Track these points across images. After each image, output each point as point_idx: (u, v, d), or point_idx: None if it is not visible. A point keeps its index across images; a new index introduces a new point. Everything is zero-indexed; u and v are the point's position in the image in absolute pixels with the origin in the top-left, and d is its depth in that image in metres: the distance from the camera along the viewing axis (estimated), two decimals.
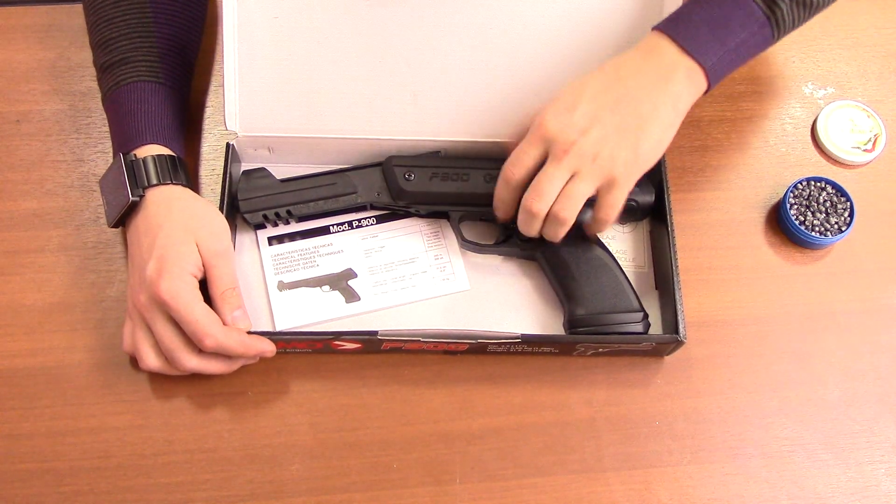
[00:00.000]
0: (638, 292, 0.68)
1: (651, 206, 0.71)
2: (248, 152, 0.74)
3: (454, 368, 0.69)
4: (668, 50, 0.65)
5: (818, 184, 0.76)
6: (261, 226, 0.72)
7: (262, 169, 0.71)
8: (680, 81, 0.65)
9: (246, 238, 0.73)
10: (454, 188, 0.70)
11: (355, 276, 0.71)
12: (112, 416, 0.66)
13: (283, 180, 0.71)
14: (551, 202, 0.63)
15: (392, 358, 0.69)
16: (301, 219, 0.71)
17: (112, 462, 0.65)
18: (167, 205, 0.65)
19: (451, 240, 0.73)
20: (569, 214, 0.63)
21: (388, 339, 0.65)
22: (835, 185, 0.76)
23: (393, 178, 0.70)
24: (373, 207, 0.72)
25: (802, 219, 0.74)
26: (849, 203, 0.75)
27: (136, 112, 0.68)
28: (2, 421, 0.66)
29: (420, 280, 0.71)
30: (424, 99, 0.72)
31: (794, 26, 0.68)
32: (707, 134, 0.80)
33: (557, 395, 0.69)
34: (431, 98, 0.72)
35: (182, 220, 0.65)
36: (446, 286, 0.71)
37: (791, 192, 0.75)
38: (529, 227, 0.66)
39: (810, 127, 0.81)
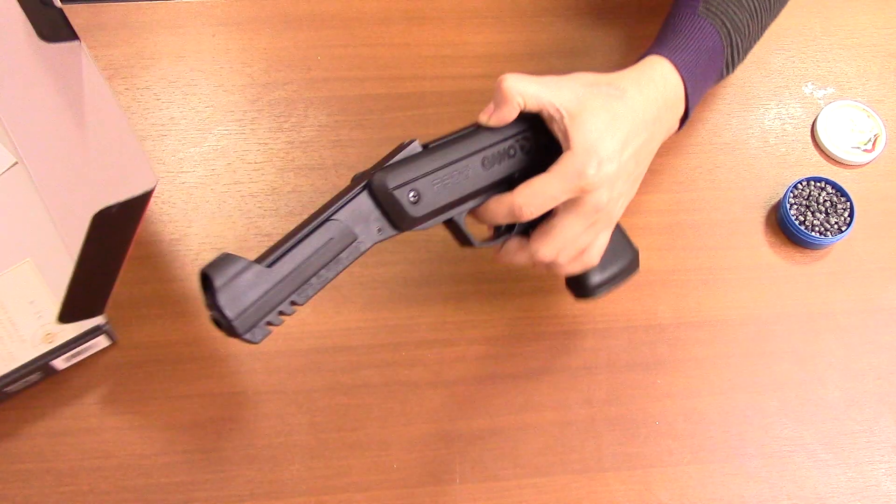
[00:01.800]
0: None
1: None
2: None
3: (454, 368, 0.69)
4: (679, 96, 0.64)
5: (818, 184, 0.76)
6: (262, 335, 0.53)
7: (227, 256, 0.51)
8: (673, 130, 0.65)
9: None
10: (459, 190, 0.59)
11: None
12: (112, 416, 0.66)
13: (267, 263, 0.52)
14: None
15: (392, 357, 0.69)
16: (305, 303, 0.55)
17: (112, 462, 0.65)
18: None
19: None
20: (566, 261, 0.61)
21: None
22: (835, 185, 0.76)
23: (395, 206, 0.56)
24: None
25: (802, 219, 0.74)
26: (849, 203, 0.75)
27: None
28: (2, 421, 0.66)
29: None
30: None
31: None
32: (706, 133, 0.80)
33: (557, 395, 0.69)
34: None
35: None
36: None
37: (791, 192, 0.75)
38: (518, 263, 0.62)
39: (810, 127, 0.81)
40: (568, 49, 0.83)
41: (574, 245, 0.60)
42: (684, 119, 0.66)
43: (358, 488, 0.65)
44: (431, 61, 0.82)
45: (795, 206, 0.75)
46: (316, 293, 0.55)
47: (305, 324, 0.70)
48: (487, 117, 0.60)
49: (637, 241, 0.74)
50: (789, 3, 0.88)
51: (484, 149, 0.59)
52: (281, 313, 0.53)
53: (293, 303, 0.54)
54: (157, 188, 0.73)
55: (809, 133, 0.81)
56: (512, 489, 0.65)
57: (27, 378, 0.65)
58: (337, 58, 0.82)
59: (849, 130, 0.81)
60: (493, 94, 0.60)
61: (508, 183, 0.60)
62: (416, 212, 0.57)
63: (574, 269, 0.63)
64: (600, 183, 0.57)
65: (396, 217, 0.57)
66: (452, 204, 0.59)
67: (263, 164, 0.77)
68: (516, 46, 0.83)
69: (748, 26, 0.68)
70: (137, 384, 0.68)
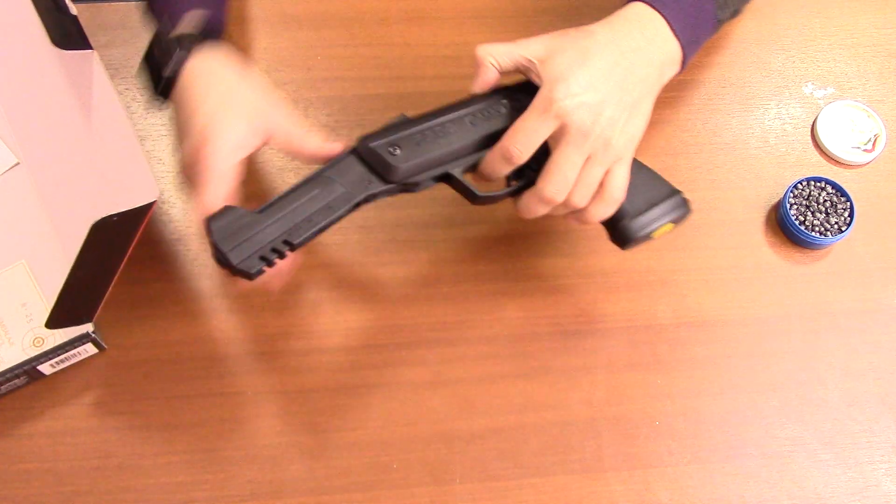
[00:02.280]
0: None
1: None
2: None
3: (454, 368, 0.69)
4: (662, 30, 0.64)
5: (818, 184, 0.76)
6: (259, 272, 0.59)
7: (228, 208, 0.59)
8: (669, 65, 0.65)
9: None
10: (446, 145, 0.63)
11: None
12: (112, 416, 0.66)
13: (259, 211, 0.60)
14: (570, 189, 0.61)
15: (392, 357, 0.69)
16: (300, 245, 0.60)
17: (112, 462, 0.65)
18: (201, 79, 0.62)
19: None
20: (584, 202, 0.62)
21: None
22: (835, 185, 0.76)
23: (377, 159, 0.61)
24: (366, 201, 0.63)
25: (802, 219, 0.74)
26: (849, 203, 0.75)
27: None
28: (2, 421, 0.66)
29: None
30: None
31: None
32: (706, 133, 0.80)
33: (557, 395, 0.69)
34: None
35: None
36: None
37: (791, 192, 0.75)
38: (535, 213, 0.63)
39: (810, 127, 0.81)
40: None
41: (584, 181, 0.61)
42: (686, 59, 0.66)
43: (358, 488, 0.65)
44: (431, 61, 0.82)
45: (795, 206, 0.75)
46: (311, 236, 0.60)
47: (305, 324, 0.70)
48: (472, 87, 0.65)
49: None
50: (789, 4, 0.88)
51: (471, 110, 0.64)
52: (274, 250, 0.59)
53: (286, 241, 0.59)
54: (157, 188, 0.73)
55: (809, 133, 0.81)
56: (512, 489, 0.65)
57: (13, 382, 0.65)
58: (337, 58, 0.82)
59: (849, 130, 0.81)
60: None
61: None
62: (398, 161, 0.61)
63: (600, 210, 0.63)
64: (575, 106, 0.59)
65: (382, 169, 0.62)
66: (442, 158, 0.63)
67: (263, 164, 0.77)
68: None
69: None
70: (137, 384, 0.67)
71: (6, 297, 0.67)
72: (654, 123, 0.80)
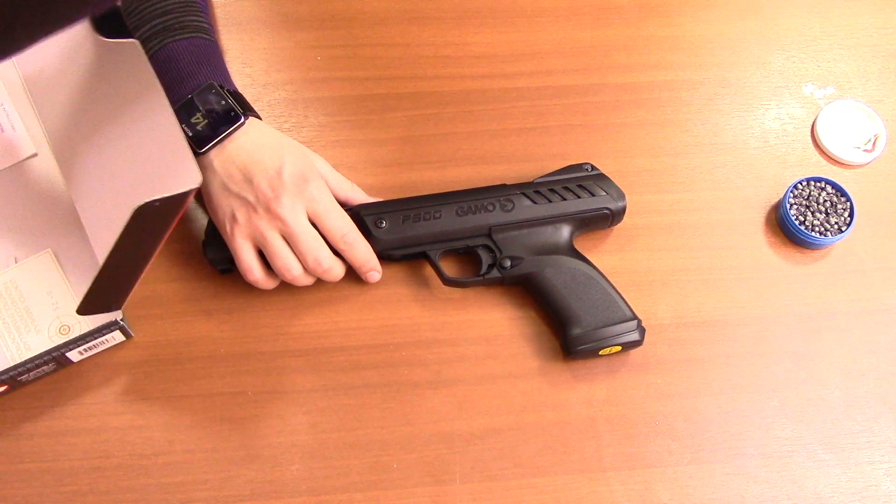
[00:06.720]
0: None
1: (623, 211, 0.72)
2: None
3: (454, 368, 0.69)
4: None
5: (818, 184, 0.76)
6: (227, 271, 0.70)
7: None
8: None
9: None
10: (428, 228, 0.69)
11: None
12: (112, 416, 0.67)
13: None
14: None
15: (392, 357, 0.69)
16: None
17: (112, 462, 0.65)
18: (268, 130, 0.69)
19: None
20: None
21: None
22: (835, 185, 0.76)
23: (364, 227, 0.69)
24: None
25: (802, 219, 0.74)
26: (849, 203, 0.75)
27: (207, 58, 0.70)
28: (2, 421, 0.66)
29: None
30: None
31: None
32: (706, 133, 0.80)
33: (557, 395, 0.69)
34: None
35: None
36: None
37: (791, 192, 0.75)
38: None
39: (810, 127, 0.81)
40: (568, 49, 0.83)
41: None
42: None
43: (358, 488, 0.65)
44: (431, 61, 0.82)
45: (795, 206, 0.75)
46: None
47: (305, 324, 0.70)
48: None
49: (637, 240, 0.75)
50: (789, 4, 0.88)
51: (461, 201, 0.70)
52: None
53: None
54: (199, 174, 0.73)
55: (809, 133, 0.81)
56: (512, 489, 0.65)
57: (41, 368, 0.65)
58: (337, 58, 0.82)
59: (849, 130, 0.81)
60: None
61: (488, 233, 0.70)
62: (379, 234, 0.69)
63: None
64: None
65: (365, 236, 0.69)
66: (421, 239, 0.70)
67: None
68: (516, 46, 0.83)
69: None
70: (137, 384, 0.68)
71: (32, 286, 0.67)
72: (655, 123, 0.81)
